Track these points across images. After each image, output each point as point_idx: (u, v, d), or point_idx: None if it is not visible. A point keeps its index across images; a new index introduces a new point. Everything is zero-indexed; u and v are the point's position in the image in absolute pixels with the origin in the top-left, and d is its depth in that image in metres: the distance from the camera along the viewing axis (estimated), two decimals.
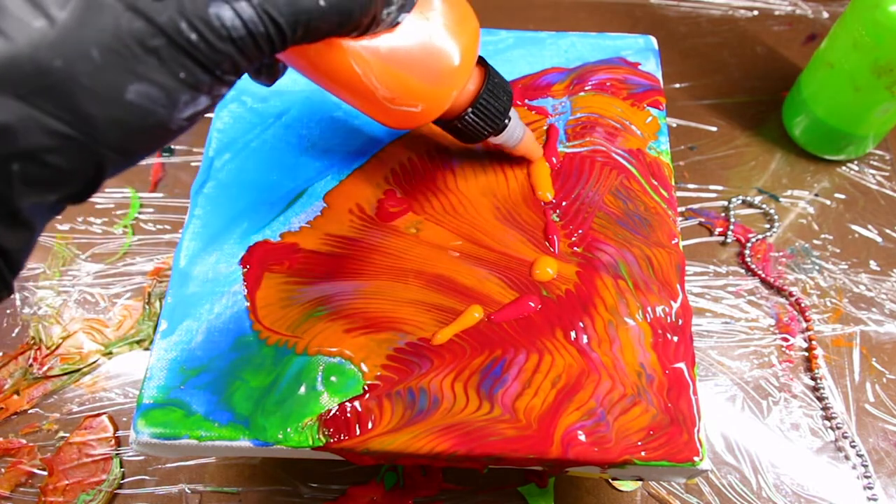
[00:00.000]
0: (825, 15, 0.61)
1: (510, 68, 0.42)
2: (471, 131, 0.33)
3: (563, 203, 0.37)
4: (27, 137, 0.18)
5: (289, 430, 0.31)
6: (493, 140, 0.35)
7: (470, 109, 0.32)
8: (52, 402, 0.43)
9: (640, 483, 0.40)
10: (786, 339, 0.45)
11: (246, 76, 0.24)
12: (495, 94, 0.32)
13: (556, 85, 0.41)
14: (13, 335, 0.45)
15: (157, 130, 0.20)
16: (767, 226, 0.50)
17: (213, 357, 0.33)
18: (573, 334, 0.33)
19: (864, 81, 0.45)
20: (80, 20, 0.18)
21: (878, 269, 0.48)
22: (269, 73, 0.27)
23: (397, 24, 0.27)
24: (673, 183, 0.38)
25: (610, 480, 0.40)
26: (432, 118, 0.31)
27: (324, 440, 0.31)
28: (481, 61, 0.33)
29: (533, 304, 0.34)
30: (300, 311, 0.34)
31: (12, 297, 0.46)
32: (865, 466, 0.41)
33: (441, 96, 0.30)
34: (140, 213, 0.50)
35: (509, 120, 0.34)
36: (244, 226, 0.36)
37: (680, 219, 0.50)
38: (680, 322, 0.34)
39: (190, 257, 0.35)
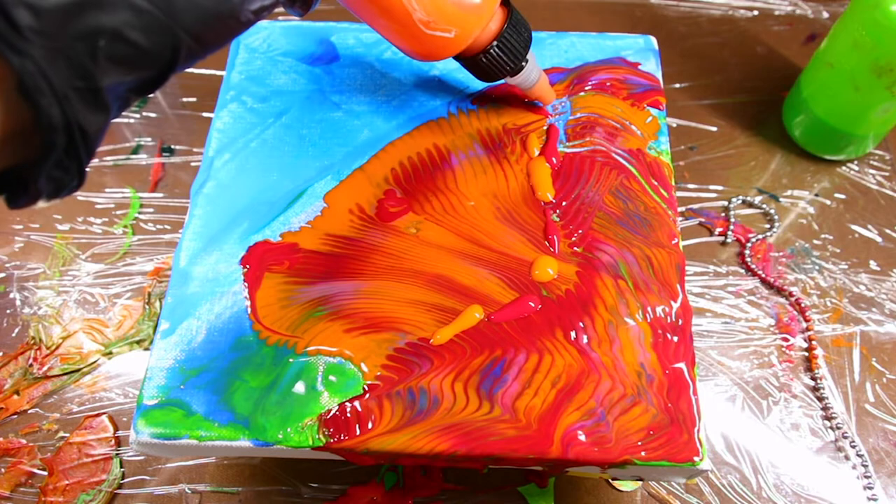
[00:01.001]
0: (825, 15, 0.61)
1: None
2: (493, 66, 0.35)
3: (563, 203, 0.37)
4: (114, 13, 0.19)
5: (289, 430, 0.31)
6: (511, 80, 0.37)
7: (495, 43, 0.34)
8: (52, 402, 0.43)
9: (640, 483, 0.40)
10: (786, 339, 0.45)
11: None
12: (518, 31, 0.35)
13: (556, 85, 0.41)
14: (13, 335, 0.45)
15: (228, 20, 0.22)
16: (767, 226, 0.50)
17: (213, 357, 0.33)
18: (573, 334, 0.33)
19: (864, 81, 0.45)
20: None
21: (878, 269, 0.48)
22: (302, 0, 0.29)
23: None
24: (673, 183, 0.38)
25: (610, 480, 0.40)
26: (462, 47, 0.33)
27: (324, 440, 0.31)
28: (505, 2, 0.35)
29: (533, 304, 0.34)
30: (300, 311, 0.34)
31: (12, 296, 0.46)
32: (865, 466, 0.41)
33: (473, 23, 0.32)
34: (140, 213, 0.50)
35: (527, 62, 0.36)
36: (244, 226, 0.36)
37: (680, 219, 0.50)
38: (680, 322, 0.34)
39: (190, 257, 0.35)
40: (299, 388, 0.32)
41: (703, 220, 0.50)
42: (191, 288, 0.34)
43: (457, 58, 0.35)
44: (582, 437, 0.31)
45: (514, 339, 0.33)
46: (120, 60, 0.20)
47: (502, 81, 0.39)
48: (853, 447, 0.42)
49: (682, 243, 0.36)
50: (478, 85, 0.41)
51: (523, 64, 0.36)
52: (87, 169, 0.22)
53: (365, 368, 0.32)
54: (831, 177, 0.52)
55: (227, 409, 0.31)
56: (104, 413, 0.42)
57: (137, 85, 0.21)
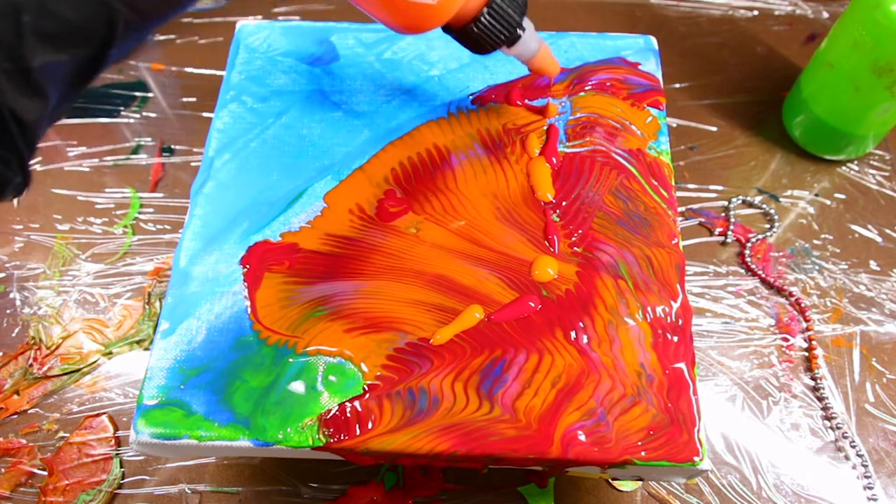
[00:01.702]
0: (825, 15, 0.60)
1: (510, 68, 0.42)
2: (486, 36, 0.32)
3: (563, 203, 0.37)
4: None
5: (289, 430, 0.31)
6: (508, 51, 0.34)
7: (485, 10, 0.31)
8: (52, 402, 0.43)
9: (640, 483, 0.40)
10: (786, 339, 0.45)
11: None
12: None
13: (556, 85, 0.41)
14: (13, 335, 0.45)
15: None
16: (767, 226, 0.50)
17: (213, 357, 0.33)
18: (573, 334, 0.33)
19: (864, 81, 0.45)
20: None
21: (878, 269, 0.48)
22: None
23: None
24: (673, 183, 0.38)
25: (610, 480, 0.40)
26: (447, 16, 0.30)
27: (324, 440, 0.31)
28: None
29: (533, 304, 0.34)
30: (300, 311, 0.34)
31: (12, 296, 0.46)
32: (865, 466, 0.41)
33: None
34: (140, 213, 0.50)
35: (524, 30, 0.33)
36: (244, 226, 0.36)
37: (680, 219, 0.50)
38: (680, 322, 0.34)
39: (190, 257, 0.35)
40: (299, 388, 0.32)
41: (703, 220, 0.50)
42: (191, 288, 0.34)
43: (447, 30, 0.33)
44: (582, 437, 0.31)
45: (514, 339, 0.33)
46: (49, 37, 0.19)
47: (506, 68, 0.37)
48: (853, 447, 0.42)
49: (682, 243, 0.36)
50: (478, 85, 0.41)
51: (519, 32, 0.33)
52: (33, 166, 0.21)
53: (365, 368, 0.32)
54: (831, 177, 0.52)
55: (227, 409, 0.31)
56: (104, 413, 0.42)
57: (76, 66, 0.20)
